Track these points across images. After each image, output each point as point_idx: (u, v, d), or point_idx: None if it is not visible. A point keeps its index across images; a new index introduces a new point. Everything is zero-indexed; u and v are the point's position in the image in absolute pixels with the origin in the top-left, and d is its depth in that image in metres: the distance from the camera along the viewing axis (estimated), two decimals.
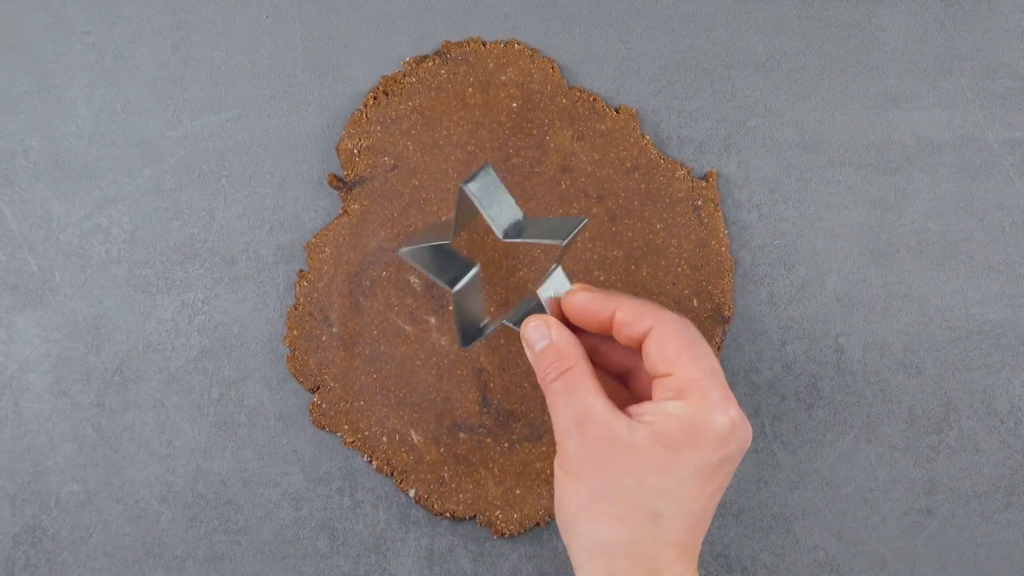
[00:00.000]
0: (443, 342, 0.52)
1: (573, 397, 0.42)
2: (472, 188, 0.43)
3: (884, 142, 0.53)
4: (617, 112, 0.52)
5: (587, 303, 0.43)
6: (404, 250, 0.49)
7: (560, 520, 0.43)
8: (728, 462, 0.42)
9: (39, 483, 0.51)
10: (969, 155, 0.54)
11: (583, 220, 0.44)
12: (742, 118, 0.53)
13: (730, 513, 0.53)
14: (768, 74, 0.53)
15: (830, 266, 0.53)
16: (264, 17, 0.52)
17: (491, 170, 0.44)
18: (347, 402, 0.52)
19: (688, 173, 0.52)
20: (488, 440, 0.52)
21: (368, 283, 0.52)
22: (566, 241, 0.43)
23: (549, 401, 0.43)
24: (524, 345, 0.45)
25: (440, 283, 0.47)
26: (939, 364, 0.54)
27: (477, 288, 0.48)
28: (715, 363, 0.42)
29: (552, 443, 0.52)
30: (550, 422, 0.52)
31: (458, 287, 0.47)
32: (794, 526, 0.53)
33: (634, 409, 0.42)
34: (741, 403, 0.53)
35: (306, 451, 0.52)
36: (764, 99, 0.53)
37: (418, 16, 0.52)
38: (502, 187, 0.44)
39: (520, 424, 0.52)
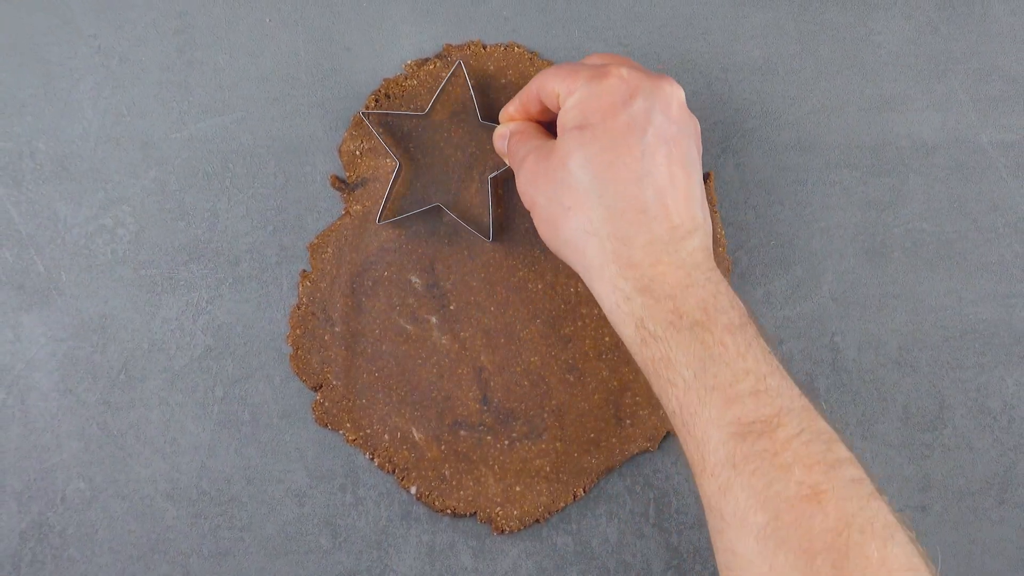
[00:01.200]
0: (444, 341, 0.52)
1: (518, 149, 0.47)
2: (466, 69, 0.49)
3: (879, 144, 0.54)
4: None
5: (517, 102, 0.49)
6: (366, 112, 0.51)
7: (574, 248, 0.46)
8: (646, 114, 0.44)
9: (45, 480, 0.52)
10: (963, 156, 0.54)
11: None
12: (739, 120, 0.53)
13: None
14: (764, 77, 0.53)
15: (826, 266, 0.54)
16: (267, 21, 0.52)
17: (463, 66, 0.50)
18: (349, 400, 0.52)
19: None
20: (488, 438, 0.52)
21: (370, 283, 0.52)
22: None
23: (513, 169, 0.48)
24: (499, 152, 0.50)
25: (392, 154, 0.51)
26: (933, 363, 0.54)
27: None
28: (591, 60, 0.46)
29: (551, 441, 0.52)
30: (549, 420, 0.52)
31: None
32: None
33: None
34: None
35: (309, 449, 0.53)
36: (761, 102, 0.53)
37: (419, 19, 0.53)
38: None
39: (520, 422, 0.52)
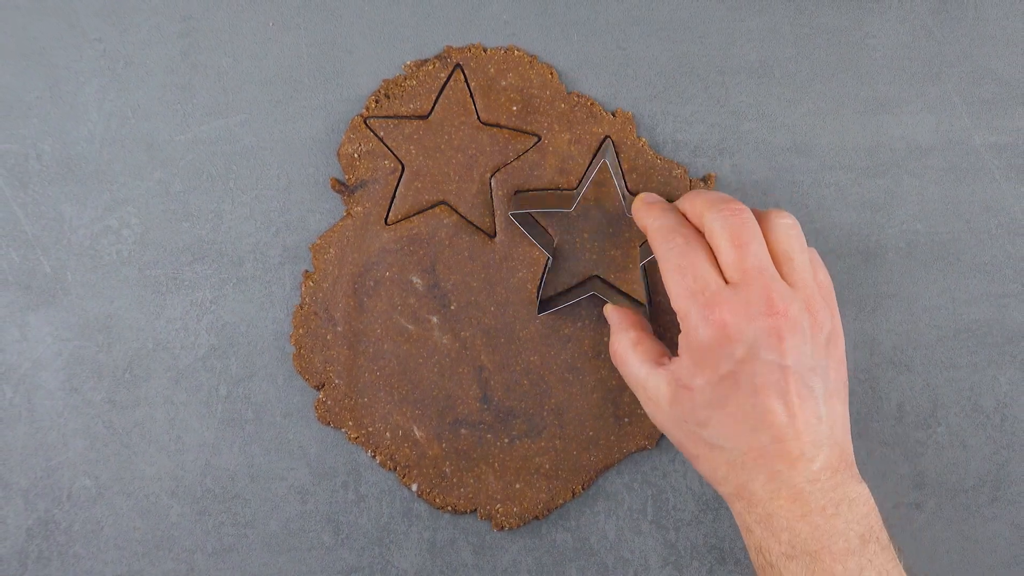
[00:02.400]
0: (444, 341, 0.53)
1: (626, 372, 0.49)
2: (609, 161, 0.49)
3: (873, 146, 0.54)
4: (614, 116, 0.53)
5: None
6: (516, 212, 0.51)
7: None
8: (747, 363, 0.44)
9: (52, 478, 0.52)
10: (956, 158, 0.54)
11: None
12: (736, 123, 0.53)
13: (723, 506, 0.54)
14: (761, 80, 0.53)
15: None
16: (271, 24, 0.52)
17: (612, 145, 0.51)
18: (351, 399, 0.52)
19: (685, 172, 0.53)
20: (488, 436, 0.53)
21: (372, 283, 0.52)
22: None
23: (622, 370, 0.50)
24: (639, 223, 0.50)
25: (543, 248, 0.51)
26: (927, 362, 0.54)
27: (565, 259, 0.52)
28: (702, 275, 0.45)
29: (551, 439, 0.53)
30: (548, 418, 0.53)
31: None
32: None
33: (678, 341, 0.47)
34: None
35: (311, 447, 0.53)
36: (757, 104, 0.53)
37: (421, 24, 0.53)
38: (618, 163, 0.51)
39: (519, 420, 0.53)
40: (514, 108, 0.52)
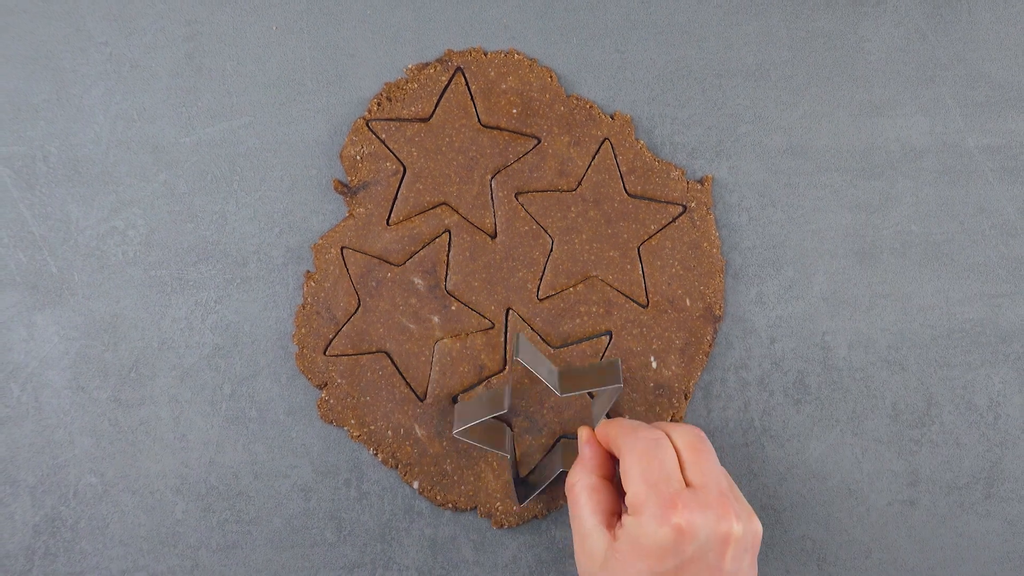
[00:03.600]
0: (446, 341, 0.53)
1: (574, 512, 0.47)
2: (523, 358, 0.47)
3: (868, 148, 0.54)
4: (612, 118, 0.53)
5: (592, 443, 0.49)
6: (459, 431, 0.50)
7: None
8: (692, 563, 0.44)
9: (58, 475, 0.52)
10: (950, 160, 0.54)
11: (618, 360, 0.49)
12: (732, 125, 0.53)
13: None
14: (757, 83, 0.54)
15: (817, 267, 0.54)
16: (274, 28, 0.52)
17: (524, 337, 0.49)
18: (353, 397, 0.52)
19: (682, 174, 0.53)
20: None
21: (373, 283, 0.52)
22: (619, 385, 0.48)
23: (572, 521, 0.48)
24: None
25: (498, 452, 0.51)
26: (921, 361, 0.54)
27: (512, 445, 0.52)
28: (667, 470, 0.45)
29: (549, 439, 0.53)
30: (548, 417, 0.53)
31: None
32: (782, 516, 0.54)
33: (623, 520, 0.46)
34: (730, 399, 0.53)
35: (314, 445, 0.53)
36: (754, 107, 0.54)
37: (422, 27, 0.53)
38: (536, 349, 0.49)
39: (520, 418, 0.53)
40: (514, 111, 0.52)
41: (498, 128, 0.53)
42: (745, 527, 0.45)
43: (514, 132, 0.53)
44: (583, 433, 0.50)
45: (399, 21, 0.53)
